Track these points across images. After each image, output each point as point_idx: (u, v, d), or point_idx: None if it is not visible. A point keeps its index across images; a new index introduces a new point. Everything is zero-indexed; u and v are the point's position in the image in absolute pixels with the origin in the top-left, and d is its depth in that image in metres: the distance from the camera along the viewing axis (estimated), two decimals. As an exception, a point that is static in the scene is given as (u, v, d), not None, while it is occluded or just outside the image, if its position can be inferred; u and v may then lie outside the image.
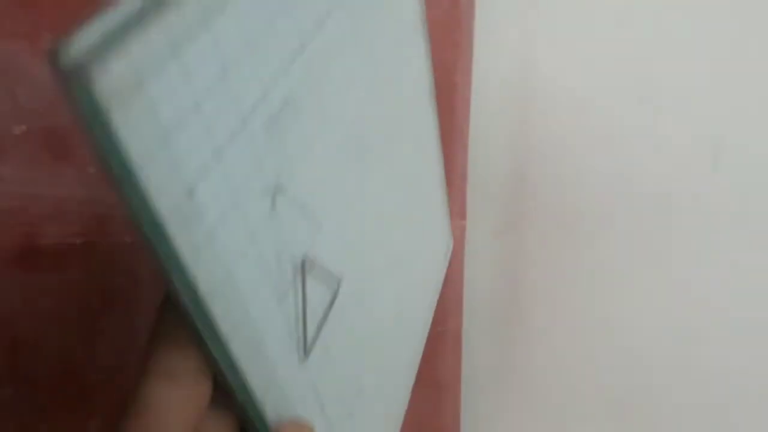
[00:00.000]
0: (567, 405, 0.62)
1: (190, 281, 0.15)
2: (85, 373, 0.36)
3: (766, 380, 0.57)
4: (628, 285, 0.60)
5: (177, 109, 0.14)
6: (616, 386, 0.60)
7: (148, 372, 0.18)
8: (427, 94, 0.35)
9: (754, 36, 0.56)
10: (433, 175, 0.37)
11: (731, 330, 0.57)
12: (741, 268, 0.57)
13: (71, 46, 0.12)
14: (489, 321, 0.64)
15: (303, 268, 0.21)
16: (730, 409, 0.58)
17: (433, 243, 0.38)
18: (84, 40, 0.12)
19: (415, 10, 0.32)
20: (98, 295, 0.36)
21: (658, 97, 0.59)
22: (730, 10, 0.57)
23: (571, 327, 0.62)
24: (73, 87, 0.13)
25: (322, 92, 0.21)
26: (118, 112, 0.13)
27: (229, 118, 0.16)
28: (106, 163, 0.13)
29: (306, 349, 0.21)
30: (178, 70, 0.14)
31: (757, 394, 0.57)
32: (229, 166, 0.16)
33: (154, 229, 0.14)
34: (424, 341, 0.38)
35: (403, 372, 0.34)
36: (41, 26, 0.35)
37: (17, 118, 0.33)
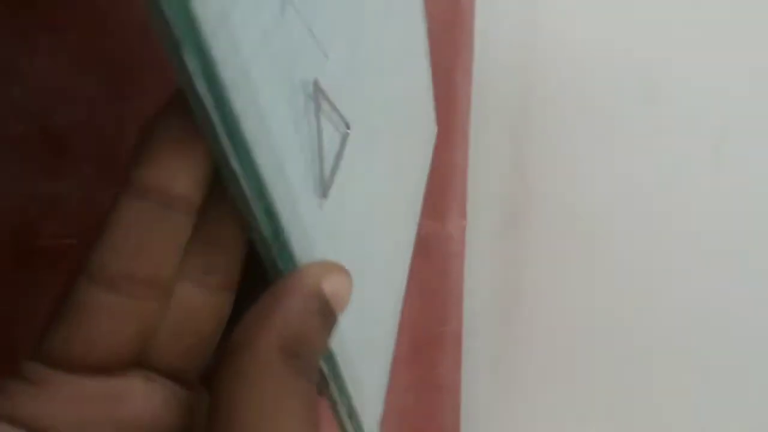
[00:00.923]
0: (567, 406, 0.62)
1: (210, 57, 0.14)
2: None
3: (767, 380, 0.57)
4: (629, 284, 0.60)
5: None
6: (617, 387, 0.60)
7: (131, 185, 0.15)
8: None
9: (757, 30, 0.56)
10: (417, 53, 0.37)
11: (733, 329, 0.57)
12: (743, 266, 0.57)
13: None
14: (489, 322, 0.64)
15: (316, 92, 0.19)
16: (731, 408, 0.58)
17: (420, 124, 0.37)
18: None
19: None
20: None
21: (659, 95, 0.59)
22: (731, 3, 0.56)
23: (572, 327, 0.61)
24: None
25: None
26: None
27: None
28: None
29: (324, 188, 0.19)
30: None
31: (758, 394, 0.57)
32: None
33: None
34: (414, 231, 0.37)
35: (401, 252, 0.32)
36: (39, 26, 0.34)
37: (15, 117, 0.32)
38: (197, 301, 0.17)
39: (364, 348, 0.25)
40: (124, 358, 0.15)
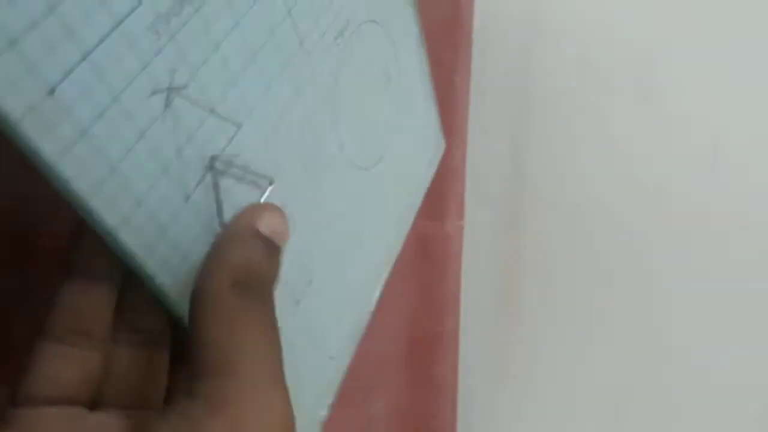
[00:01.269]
0: (564, 405, 0.62)
1: (59, 174, 0.17)
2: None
3: (766, 378, 0.57)
4: (627, 284, 0.60)
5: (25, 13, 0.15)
6: (614, 386, 0.60)
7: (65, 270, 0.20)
8: None
9: (756, 29, 0.56)
10: (415, 77, 0.37)
11: (731, 328, 0.57)
12: (741, 265, 0.57)
13: None
14: (486, 321, 0.64)
15: (213, 166, 0.21)
16: (728, 407, 0.58)
17: (414, 144, 0.38)
18: None
19: None
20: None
21: (657, 96, 0.59)
22: (729, 5, 0.57)
23: (569, 327, 0.62)
24: None
25: None
26: None
27: (96, 19, 0.17)
28: None
29: None
30: None
31: (756, 392, 0.57)
32: (100, 66, 0.17)
33: (7, 127, 0.15)
34: (403, 238, 0.37)
35: (370, 269, 0.35)
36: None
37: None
38: (129, 355, 0.21)
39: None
40: (78, 395, 0.20)
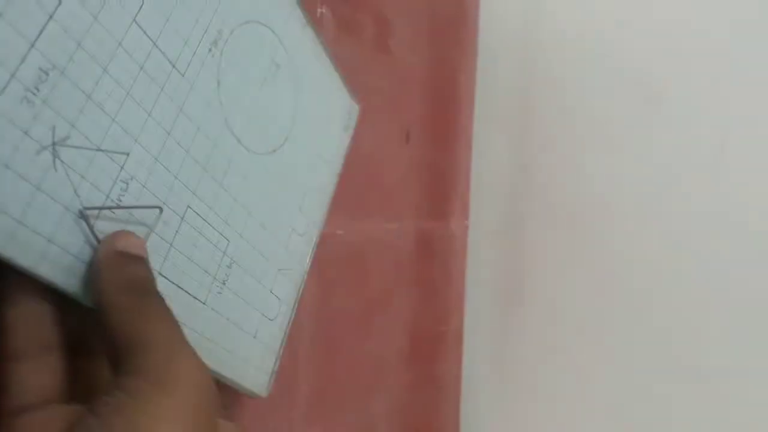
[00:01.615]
0: (568, 404, 0.62)
1: None
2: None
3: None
4: (631, 284, 0.60)
5: None
6: (618, 385, 0.60)
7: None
8: None
9: (760, 30, 0.56)
10: (307, 56, 0.39)
11: (733, 327, 0.57)
12: (745, 266, 0.57)
13: None
14: (490, 321, 0.64)
15: (85, 216, 0.25)
16: (731, 406, 0.58)
17: (322, 115, 0.41)
18: None
19: None
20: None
21: (661, 95, 0.59)
22: (733, 5, 0.56)
23: (573, 326, 0.62)
24: None
25: (96, 38, 0.24)
26: None
27: None
28: None
29: None
30: None
31: (759, 394, 0.57)
32: None
33: None
34: (328, 201, 0.41)
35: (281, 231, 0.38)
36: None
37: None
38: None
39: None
40: (36, 397, 0.23)
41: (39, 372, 0.23)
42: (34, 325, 0.24)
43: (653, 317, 0.59)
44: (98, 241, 0.25)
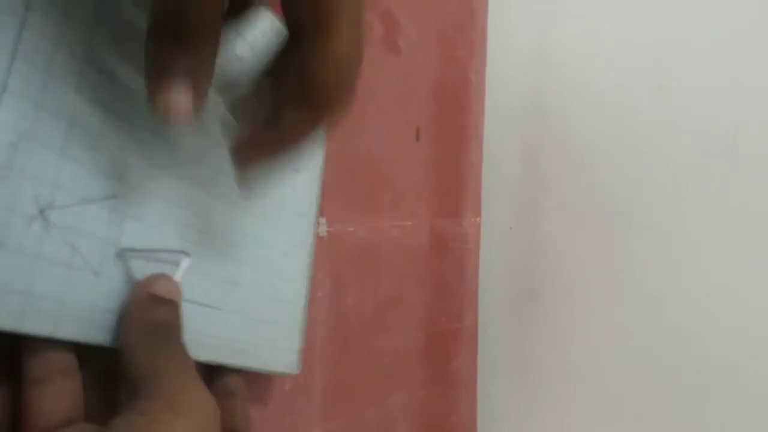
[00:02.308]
0: (583, 402, 0.62)
1: None
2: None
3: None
4: (645, 280, 0.60)
5: None
6: (633, 382, 0.60)
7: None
8: None
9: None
10: None
11: (749, 329, 0.57)
12: (760, 261, 0.57)
13: None
14: (504, 317, 0.64)
15: (122, 257, 0.26)
16: (745, 409, 0.57)
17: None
18: None
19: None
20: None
21: (672, 89, 0.58)
22: (744, 3, 0.56)
23: (587, 324, 0.62)
24: None
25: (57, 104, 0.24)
26: None
27: None
28: None
29: None
30: None
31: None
32: None
33: None
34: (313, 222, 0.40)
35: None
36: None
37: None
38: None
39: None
40: (61, 418, 0.24)
41: (62, 395, 0.25)
42: (56, 354, 0.25)
43: (671, 314, 0.59)
44: (132, 282, 0.26)
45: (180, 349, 0.26)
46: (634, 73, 0.59)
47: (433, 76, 0.56)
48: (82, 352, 0.25)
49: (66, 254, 0.24)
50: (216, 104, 0.30)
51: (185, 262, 0.28)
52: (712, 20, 0.57)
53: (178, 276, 0.28)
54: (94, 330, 0.25)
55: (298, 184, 0.38)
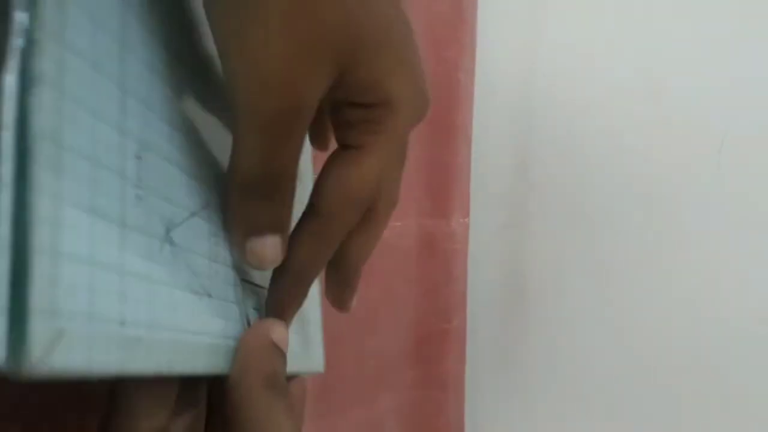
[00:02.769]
0: (571, 403, 0.62)
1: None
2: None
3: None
4: (632, 281, 0.60)
5: None
6: (620, 384, 0.60)
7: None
8: None
9: (759, 32, 0.56)
10: None
11: (735, 326, 0.57)
12: (745, 264, 0.57)
13: None
14: (493, 318, 0.64)
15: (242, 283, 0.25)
16: (737, 408, 0.58)
17: None
18: None
19: None
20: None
21: (661, 94, 0.59)
22: (732, 7, 0.57)
23: (576, 325, 0.62)
24: None
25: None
26: None
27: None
28: None
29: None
30: None
31: (759, 392, 0.57)
32: (126, 287, 0.18)
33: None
34: None
35: None
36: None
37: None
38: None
39: None
40: None
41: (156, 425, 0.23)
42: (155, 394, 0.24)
43: (657, 314, 0.59)
44: (249, 323, 0.25)
45: (290, 408, 0.25)
46: (623, 75, 0.59)
47: (422, 76, 0.56)
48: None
49: (187, 277, 0.21)
50: None
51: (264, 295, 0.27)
52: (702, 27, 0.58)
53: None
54: (218, 358, 0.23)
55: None
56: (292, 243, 0.25)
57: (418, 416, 0.57)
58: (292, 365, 0.30)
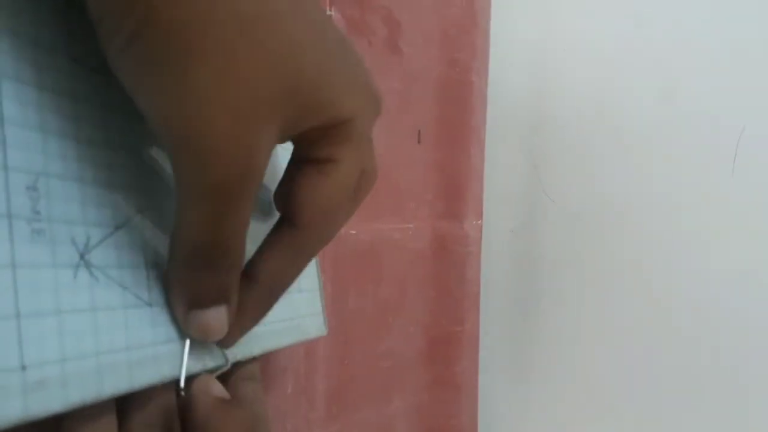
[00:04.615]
0: (585, 406, 0.62)
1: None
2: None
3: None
4: (646, 284, 0.60)
5: None
6: (635, 387, 0.60)
7: None
8: None
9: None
10: None
11: (748, 329, 0.57)
12: (761, 266, 0.57)
13: None
14: (506, 320, 0.64)
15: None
16: (758, 412, 0.57)
17: None
18: None
19: None
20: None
21: (676, 93, 0.58)
22: (750, 6, 0.56)
23: (589, 327, 0.61)
24: None
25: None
26: None
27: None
28: None
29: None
30: None
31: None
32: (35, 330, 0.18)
33: None
34: None
35: None
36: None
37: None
38: None
39: None
40: None
41: None
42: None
43: (672, 317, 0.59)
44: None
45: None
46: (637, 77, 0.59)
47: (434, 78, 0.56)
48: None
49: (117, 294, 0.21)
50: None
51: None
52: (717, 24, 0.57)
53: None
54: (166, 367, 0.22)
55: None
56: (263, 255, 0.24)
57: (431, 418, 0.57)
58: (288, 338, 0.30)
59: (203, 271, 0.22)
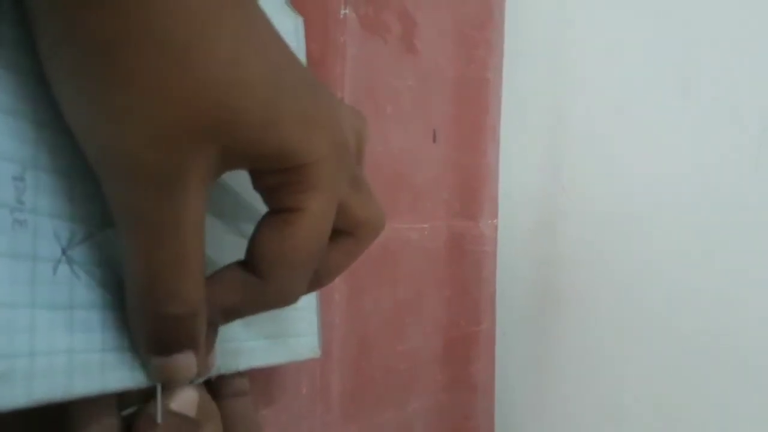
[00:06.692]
0: (603, 407, 0.61)
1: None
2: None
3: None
4: (665, 283, 0.59)
5: None
6: (653, 387, 0.59)
7: None
8: None
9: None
10: None
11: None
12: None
13: None
14: (523, 320, 0.63)
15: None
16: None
17: None
18: None
19: None
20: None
21: (697, 91, 0.58)
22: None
23: (607, 327, 0.61)
24: None
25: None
26: None
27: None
28: None
29: None
30: None
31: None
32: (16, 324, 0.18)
33: None
34: None
35: None
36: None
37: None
38: None
39: None
40: None
41: None
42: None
43: (693, 319, 0.58)
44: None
45: None
46: (656, 72, 0.58)
47: (450, 76, 0.55)
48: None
49: (97, 294, 0.21)
50: None
51: None
52: (739, 16, 0.57)
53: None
54: (141, 372, 0.22)
55: None
56: (220, 285, 0.23)
57: (448, 419, 0.56)
58: (277, 356, 0.30)
59: (156, 316, 0.21)
